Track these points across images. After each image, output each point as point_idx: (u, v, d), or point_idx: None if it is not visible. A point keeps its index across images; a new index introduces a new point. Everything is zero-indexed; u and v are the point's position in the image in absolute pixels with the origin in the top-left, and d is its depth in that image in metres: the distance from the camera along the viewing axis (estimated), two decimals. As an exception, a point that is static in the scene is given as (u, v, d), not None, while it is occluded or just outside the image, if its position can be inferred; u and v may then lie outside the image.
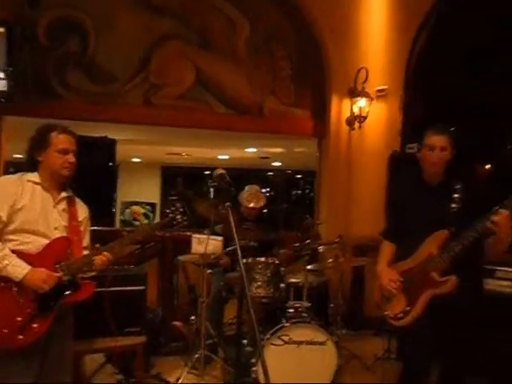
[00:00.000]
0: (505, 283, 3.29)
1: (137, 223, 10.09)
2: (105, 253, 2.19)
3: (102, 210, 4.11)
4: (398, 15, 4.83)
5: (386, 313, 2.39)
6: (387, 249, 2.53)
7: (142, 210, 10.56)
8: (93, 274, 2.21)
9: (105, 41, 4.62)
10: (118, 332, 2.68)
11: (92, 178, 3.69)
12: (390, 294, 2.37)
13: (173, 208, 2.46)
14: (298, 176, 13.24)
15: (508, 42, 7.39)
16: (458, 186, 2.26)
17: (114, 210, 4.70)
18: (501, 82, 7.57)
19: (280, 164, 11.19)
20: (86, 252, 2.24)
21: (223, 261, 3.62)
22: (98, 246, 2.24)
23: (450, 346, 2.26)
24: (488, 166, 9.31)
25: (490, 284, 3.27)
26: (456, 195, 2.24)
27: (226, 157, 9.63)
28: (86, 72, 4.59)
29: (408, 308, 2.28)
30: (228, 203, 2.12)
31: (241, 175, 10.27)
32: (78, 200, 2.31)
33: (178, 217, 2.45)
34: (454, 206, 2.23)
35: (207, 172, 11.52)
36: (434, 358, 2.33)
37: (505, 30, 7.36)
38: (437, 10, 4.83)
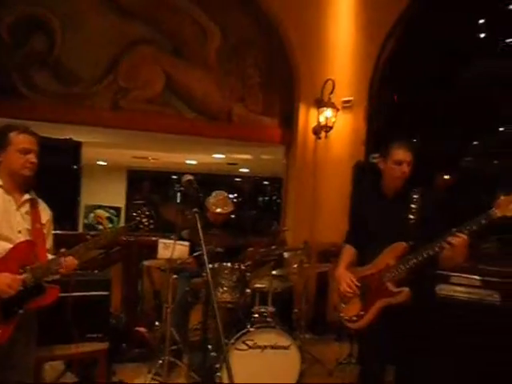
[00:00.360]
0: (459, 289, 3.44)
1: (100, 227, 9.86)
2: (71, 257, 2.16)
3: (65, 213, 4.03)
4: (364, 28, 4.99)
5: (341, 314, 2.50)
6: (347, 252, 2.61)
7: (106, 214, 10.33)
8: (56, 277, 2.17)
9: (72, 41, 4.54)
10: (79, 338, 2.64)
11: (55, 181, 3.62)
12: (345, 297, 2.47)
13: (139, 211, 2.45)
14: (266, 183, 13.36)
15: (470, 54, 7.78)
16: (416, 196, 2.35)
17: (77, 214, 4.59)
18: (462, 93, 7.96)
19: (247, 170, 11.25)
20: (49, 255, 2.20)
21: (190, 261, 3.59)
22: (63, 250, 2.21)
23: (403, 349, 2.34)
24: (447, 177, 9.70)
25: (445, 290, 3.41)
26: (413, 205, 2.33)
27: (194, 162, 9.59)
28: (51, 72, 4.50)
29: (362, 313, 2.39)
30: (195, 209, 2.14)
31: (208, 181, 10.27)
32: (40, 202, 2.27)
33: (145, 220, 2.44)
34: (411, 217, 2.31)
35: (174, 177, 11.44)
36: (388, 361, 2.43)
37: (466, 44, 7.76)
38: (402, 24, 5.02)
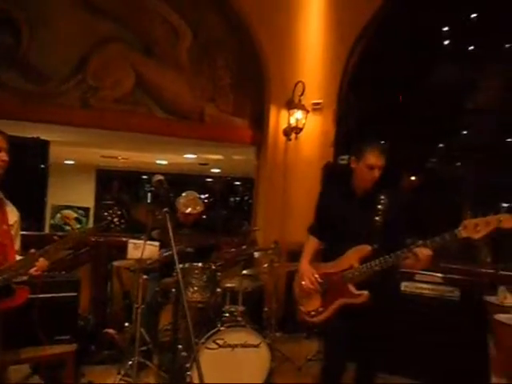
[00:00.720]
0: (424, 286, 3.57)
1: (68, 228, 9.66)
2: (41, 258, 2.13)
3: (31, 213, 3.95)
4: (334, 30, 5.08)
5: (300, 307, 2.56)
6: (311, 245, 2.67)
7: (74, 215, 10.10)
8: (24, 278, 2.15)
9: (40, 39, 4.45)
10: (46, 340, 2.61)
11: (22, 180, 3.55)
12: (306, 292, 2.52)
13: (110, 211, 2.45)
14: (237, 183, 13.39)
15: (436, 59, 8.05)
16: (382, 198, 2.42)
17: (44, 214, 4.50)
18: (430, 96, 8.23)
19: (219, 171, 11.24)
20: (17, 256, 2.16)
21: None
22: (33, 250, 2.18)
23: (364, 344, 2.44)
24: (414, 178, 10.00)
25: (409, 287, 3.55)
26: (380, 207, 2.39)
27: (165, 162, 9.52)
28: (19, 70, 4.39)
29: (321, 309, 2.46)
30: (166, 209, 2.15)
31: (179, 180, 10.21)
32: (8, 203, 2.23)
33: (116, 220, 2.44)
34: (377, 219, 2.37)
35: (145, 176, 11.32)
36: (350, 355, 2.49)
37: (434, 49, 8.02)
38: (372, 27, 5.14)
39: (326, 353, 2.58)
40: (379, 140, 2.51)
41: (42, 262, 2.12)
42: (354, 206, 2.48)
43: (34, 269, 2.10)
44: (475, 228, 2.09)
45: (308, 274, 2.52)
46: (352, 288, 2.36)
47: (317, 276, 2.49)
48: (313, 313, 2.49)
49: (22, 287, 2.13)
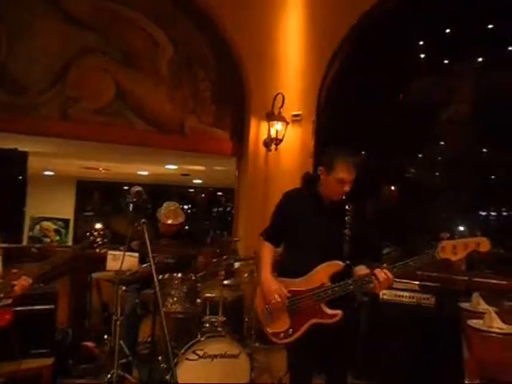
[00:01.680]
0: (401, 293, 3.64)
1: (47, 240, 9.51)
2: (24, 277, 2.09)
3: (9, 225, 3.91)
4: (312, 44, 5.16)
5: (267, 329, 2.36)
6: (268, 253, 2.49)
7: (54, 226, 9.96)
8: (9, 302, 2.10)
9: (19, 49, 4.43)
10: (22, 355, 2.56)
11: (0, 192, 3.52)
12: (273, 312, 2.33)
13: (93, 231, 2.45)
14: (219, 193, 13.40)
15: (412, 72, 8.27)
16: (348, 208, 2.34)
17: (22, 226, 4.45)
18: (409, 107, 8.43)
19: (201, 181, 11.25)
20: None
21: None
22: (15, 270, 2.14)
23: (331, 361, 2.38)
24: (393, 188, 10.19)
25: (387, 294, 3.61)
26: (347, 218, 2.32)
27: (146, 173, 9.49)
28: (-4, 80, 4.37)
29: (291, 331, 2.28)
30: (143, 219, 2.16)
31: (161, 191, 10.19)
32: None
33: (99, 239, 2.44)
34: (345, 232, 2.29)
35: (126, 187, 11.24)
36: (316, 366, 2.43)
37: (409, 61, 8.24)
38: (351, 39, 5.25)
39: (290, 366, 2.47)
40: (351, 151, 2.35)
41: (23, 281, 2.09)
42: (320, 216, 2.36)
43: (16, 288, 2.06)
44: (453, 250, 2.09)
45: (273, 286, 2.32)
46: (325, 308, 2.24)
47: (288, 294, 2.30)
48: (282, 335, 2.30)
49: (6, 309, 2.09)
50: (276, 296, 2.30)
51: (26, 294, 2.80)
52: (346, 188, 2.30)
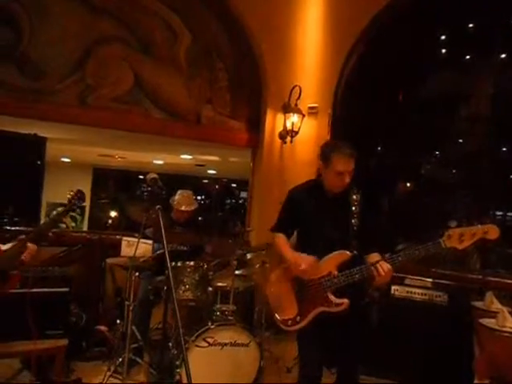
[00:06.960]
0: (413, 290, 3.62)
1: (63, 225, 9.67)
2: (29, 244, 2.18)
3: (27, 210, 3.98)
4: (331, 36, 5.12)
5: (276, 315, 2.43)
6: (285, 241, 2.53)
7: (70, 213, 10.12)
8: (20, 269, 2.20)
9: (40, 36, 4.49)
10: (37, 335, 2.62)
11: (18, 176, 3.58)
12: (281, 300, 2.40)
13: (71, 192, 2.51)
14: (234, 185, 13.43)
15: (431, 67, 8.14)
16: (355, 198, 2.36)
17: (39, 211, 4.52)
18: (423, 103, 8.31)
19: (215, 172, 11.28)
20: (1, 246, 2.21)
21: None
22: (22, 236, 2.23)
23: (344, 348, 2.39)
24: (408, 185, 10.08)
25: (399, 290, 3.60)
26: (354, 208, 2.34)
27: (161, 162, 9.55)
28: (17, 67, 4.42)
29: (298, 318, 2.34)
30: (158, 206, 2.18)
31: (175, 181, 10.25)
32: None
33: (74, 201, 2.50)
34: (353, 221, 2.31)
35: (141, 176, 11.34)
36: (328, 360, 2.46)
37: (429, 57, 8.10)
38: (369, 32, 5.19)
39: (301, 358, 2.48)
40: (347, 143, 2.34)
41: (30, 246, 2.16)
42: (325, 209, 2.39)
43: (24, 254, 2.14)
44: (460, 238, 2.06)
45: (304, 259, 2.32)
46: (332, 297, 2.27)
47: (313, 259, 2.31)
48: (290, 322, 2.37)
49: (14, 273, 2.16)
50: (309, 259, 2.31)
51: (42, 276, 2.88)
52: (346, 179, 2.31)
